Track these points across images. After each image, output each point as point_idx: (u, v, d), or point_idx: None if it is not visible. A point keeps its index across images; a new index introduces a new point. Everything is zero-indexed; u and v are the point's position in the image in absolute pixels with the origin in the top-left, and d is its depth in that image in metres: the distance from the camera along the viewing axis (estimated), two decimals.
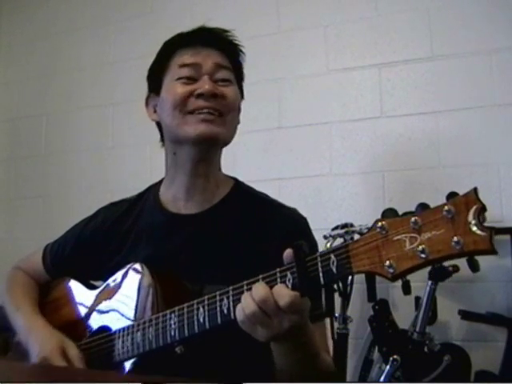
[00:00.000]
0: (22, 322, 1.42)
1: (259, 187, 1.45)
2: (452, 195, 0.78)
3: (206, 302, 1.07)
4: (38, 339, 1.33)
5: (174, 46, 1.37)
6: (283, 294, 0.94)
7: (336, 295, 2.28)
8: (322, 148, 2.75)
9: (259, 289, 0.96)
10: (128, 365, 1.22)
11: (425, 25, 2.62)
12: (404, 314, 2.35)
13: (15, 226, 3.45)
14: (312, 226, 1.37)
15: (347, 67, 2.76)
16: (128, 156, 3.19)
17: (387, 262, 0.83)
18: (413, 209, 2.47)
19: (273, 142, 2.86)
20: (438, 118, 2.56)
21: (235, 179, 1.44)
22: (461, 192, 0.89)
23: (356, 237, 2.34)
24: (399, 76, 2.66)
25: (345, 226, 2.38)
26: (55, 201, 3.34)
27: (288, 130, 2.83)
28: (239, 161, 2.75)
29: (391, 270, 0.83)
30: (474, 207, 0.76)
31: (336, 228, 2.38)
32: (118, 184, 3.09)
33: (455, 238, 0.76)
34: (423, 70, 2.61)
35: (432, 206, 2.02)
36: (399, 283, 2.19)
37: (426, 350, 2.15)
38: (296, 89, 2.85)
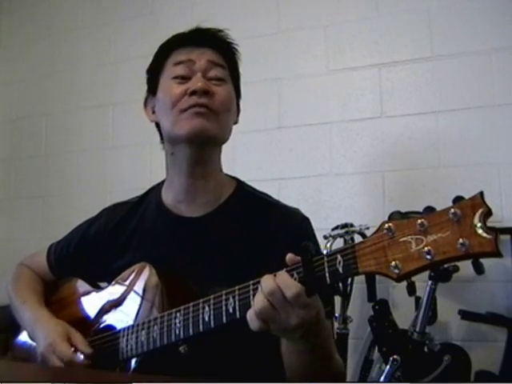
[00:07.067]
0: (29, 314, 1.44)
1: (259, 187, 1.45)
2: (458, 199, 0.79)
3: (211, 301, 1.08)
4: (44, 328, 1.35)
5: (169, 47, 1.39)
6: (289, 284, 0.94)
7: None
8: (322, 148, 2.75)
9: (267, 281, 0.96)
10: (132, 363, 1.23)
11: (425, 25, 2.63)
12: (404, 314, 2.35)
13: (15, 226, 3.45)
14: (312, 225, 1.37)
15: (347, 67, 2.76)
16: (128, 156, 3.18)
17: (393, 263, 0.84)
18: (413, 208, 2.46)
19: (273, 142, 2.86)
20: (438, 118, 2.56)
21: (237, 180, 1.44)
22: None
23: (356, 237, 2.35)
24: (399, 76, 2.66)
25: (345, 225, 2.38)
26: (55, 201, 3.34)
27: (288, 129, 2.83)
28: (239, 161, 2.76)
29: (397, 271, 0.84)
30: (480, 210, 0.77)
31: (336, 228, 2.38)
32: (118, 184, 3.10)
33: (461, 240, 0.77)
34: (423, 69, 2.62)
35: (432, 205, 2.02)
36: (400, 283, 2.20)
37: (425, 349, 2.15)
38: (296, 89, 2.85)
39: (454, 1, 2.60)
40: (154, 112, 1.40)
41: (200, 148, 1.31)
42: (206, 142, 1.31)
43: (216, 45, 1.37)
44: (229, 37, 1.40)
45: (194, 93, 1.28)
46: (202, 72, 1.31)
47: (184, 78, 1.32)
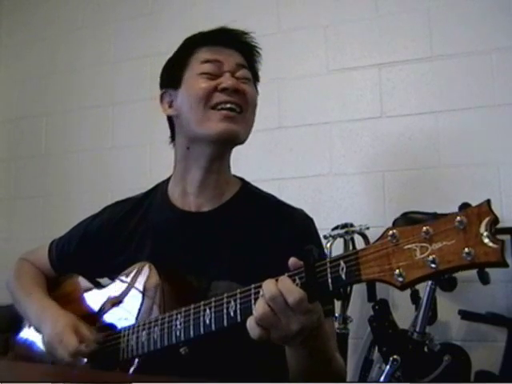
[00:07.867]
0: (35, 306, 1.43)
1: (259, 187, 1.46)
2: (464, 206, 0.78)
3: (212, 304, 1.07)
4: (53, 318, 1.34)
5: (195, 43, 1.40)
6: (291, 290, 0.94)
7: None
8: (322, 148, 2.75)
9: (268, 285, 0.96)
10: (132, 364, 1.23)
11: (425, 25, 2.62)
12: (404, 314, 2.35)
13: (15, 226, 3.45)
14: None
15: (347, 67, 2.76)
16: (128, 156, 3.18)
17: (397, 271, 0.83)
18: (413, 208, 2.44)
19: (273, 142, 2.85)
20: (437, 118, 2.56)
21: (242, 179, 1.47)
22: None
23: (356, 237, 2.35)
24: (399, 76, 2.66)
25: (345, 225, 2.38)
26: (55, 201, 3.33)
27: (288, 129, 2.83)
28: (239, 161, 2.72)
29: (400, 279, 0.83)
30: (487, 219, 0.76)
31: (336, 228, 2.38)
32: (118, 184, 3.10)
33: (466, 249, 0.76)
34: (423, 70, 2.61)
35: (432, 206, 2.00)
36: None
37: (425, 349, 2.15)
38: (296, 89, 2.84)
39: (454, 1, 2.59)
40: (170, 106, 1.40)
41: (222, 147, 1.34)
42: (231, 143, 1.35)
43: (242, 47, 1.40)
44: (254, 40, 1.42)
45: (224, 89, 1.30)
46: (231, 72, 1.34)
47: (212, 75, 1.33)
